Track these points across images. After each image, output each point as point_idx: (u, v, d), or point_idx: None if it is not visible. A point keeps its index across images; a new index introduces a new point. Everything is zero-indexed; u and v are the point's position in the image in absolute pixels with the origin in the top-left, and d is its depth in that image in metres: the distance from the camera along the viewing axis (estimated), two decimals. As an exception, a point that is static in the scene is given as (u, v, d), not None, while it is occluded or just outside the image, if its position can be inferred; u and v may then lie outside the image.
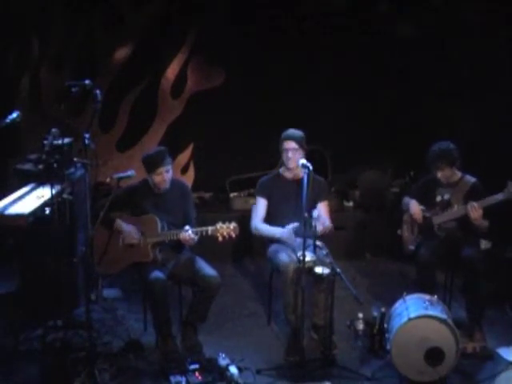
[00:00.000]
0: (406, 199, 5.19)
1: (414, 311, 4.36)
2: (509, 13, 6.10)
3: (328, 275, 4.47)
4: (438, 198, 5.03)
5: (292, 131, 4.96)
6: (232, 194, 6.91)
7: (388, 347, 4.40)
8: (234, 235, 4.60)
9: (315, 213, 4.49)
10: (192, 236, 4.59)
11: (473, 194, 4.90)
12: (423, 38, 6.74)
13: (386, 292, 5.61)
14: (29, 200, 4.59)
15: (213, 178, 7.04)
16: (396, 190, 7.01)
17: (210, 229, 4.60)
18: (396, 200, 6.44)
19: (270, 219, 5.00)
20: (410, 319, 4.30)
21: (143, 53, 6.67)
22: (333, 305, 4.54)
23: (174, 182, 4.92)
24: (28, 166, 5.04)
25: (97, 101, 4.19)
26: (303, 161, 4.68)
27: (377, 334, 4.76)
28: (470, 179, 5.00)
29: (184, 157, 6.88)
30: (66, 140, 4.87)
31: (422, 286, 4.77)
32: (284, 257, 4.73)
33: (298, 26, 6.79)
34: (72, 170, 5.01)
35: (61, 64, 6.52)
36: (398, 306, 4.60)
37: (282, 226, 4.89)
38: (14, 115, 4.43)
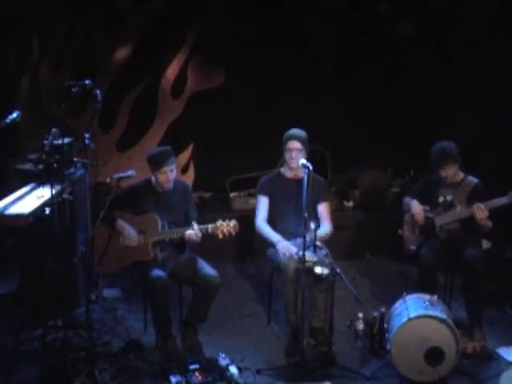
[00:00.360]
0: (407, 199, 5.18)
1: (414, 311, 4.36)
2: (509, 13, 6.10)
3: (328, 275, 4.47)
4: (441, 199, 5.02)
5: (296, 131, 4.92)
6: (232, 194, 6.91)
7: (388, 347, 4.40)
8: (233, 233, 4.61)
9: (312, 225, 4.42)
10: (198, 233, 4.58)
11: (475, 195, 4.89)
12: (423, 38, 6.75)
13: (386, 292, 5.61)
14: (29, 200, 4.58)
15: (213, 178, 7.04)
16: (396, 189, 7.00)
17: (210, 226, 4.61)
18: (396, 200, 6.46)
19: (270, 218, 4.99)
20: (409, 319, 4.29)
21: (143, 53, 6.65)
22: (333, 305, 4.54)
23: (177, 182, 4.92)
24: (28, 166, 5.04)
25: (97, 101, 4.19)
26: (303, 161, 4.65)
27: (377, 334, 4.76)
28: (472, 180, 5.00)
29: (184, 157, 6.86)
30: (66, 140, 4.86)
31: (423, 286, 4.77)
32: (284, 257, 4.72)
33: (298, 26, 6.79)
34: (72, 169, 5.01)
35: (61, 64, 6.51)
36: (398, 305, 4.60)
37: (283, 225, 4.90)
38: (14, 115, 4.42)
